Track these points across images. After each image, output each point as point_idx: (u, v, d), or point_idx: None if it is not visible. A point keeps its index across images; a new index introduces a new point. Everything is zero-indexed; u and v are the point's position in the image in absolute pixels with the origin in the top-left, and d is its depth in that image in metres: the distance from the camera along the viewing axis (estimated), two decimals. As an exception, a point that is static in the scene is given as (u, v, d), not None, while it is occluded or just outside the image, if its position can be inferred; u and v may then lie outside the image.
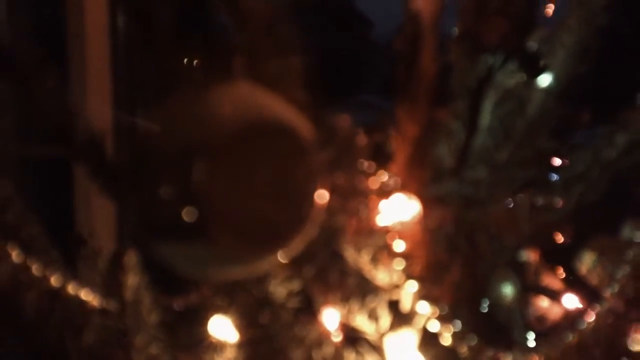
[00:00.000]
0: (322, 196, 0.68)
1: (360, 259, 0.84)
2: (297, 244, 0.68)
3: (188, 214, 0.60)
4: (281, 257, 0.68)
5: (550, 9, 1.18)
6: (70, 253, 0.95)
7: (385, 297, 0.89)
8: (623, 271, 1.05)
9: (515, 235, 1.11)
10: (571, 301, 1.30)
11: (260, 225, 0.64)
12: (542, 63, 1.05)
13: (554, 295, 1.33)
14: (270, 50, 0.72)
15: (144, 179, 0.62)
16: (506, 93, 1.15)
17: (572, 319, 1.23)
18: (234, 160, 0.62)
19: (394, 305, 0.91)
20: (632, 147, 1.18)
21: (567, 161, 1.18)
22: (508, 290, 1.30)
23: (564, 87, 1.20)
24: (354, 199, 0.81)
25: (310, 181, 0.65)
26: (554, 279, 1.36)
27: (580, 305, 1.28)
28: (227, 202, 0.62)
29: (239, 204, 0.63)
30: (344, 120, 0.84)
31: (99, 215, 2.02)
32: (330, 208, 0.80)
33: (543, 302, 1.32)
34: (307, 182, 0.65)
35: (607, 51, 1.27)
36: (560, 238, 1.28)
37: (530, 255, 1.34)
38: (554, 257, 1.33)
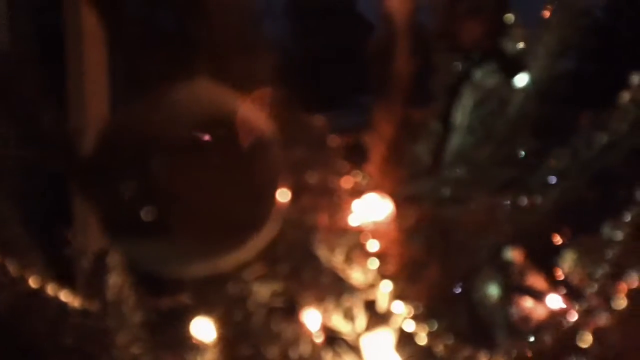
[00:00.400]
0: (284, 194, 0.68)
1: (334, 258, 0.85)
2: (259, 241, 0.68)
3: (147, 213, 0.60)
4: (245, 254, 0.68)
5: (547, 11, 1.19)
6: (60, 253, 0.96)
7: (361, 297, 0.89)
8: (603, 270, 1.05)
9: (494, 234, 1.11)
10: (555, 301, 1.31)
11: (219, 222, 0.65)
12: (517, 63, 1.05)
13: (539, 296, 1.33)
14: (236, 47, 0.73)
15: (106, 177, 0.63)
16: (486, 93, 1.15)
17: (555, 319, 1.23)
18: (193, 158, 0.62)
19: (370, 305, 0.91)
20: (611, 147, 1.18)
21: (546, 161, 1.19)
22: (492, 290, 1.31)
23: (545, 88, 1.20)
24: (327, 199, 0.82)
25: (270, 179, 0.66)
26: (539, 279, 1.36)
27: (564, 305, 1.28)
28: (187, 199, 0.62)
29: (199, 201, 0.63)
30: (317, 121, 0.85)
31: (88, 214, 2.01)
32: (302, 207, 0.81)
33: (527, 303, 1.32)
34: (267, 179, 0.65)
35: (589, 51, 1.27)
36: (542, 238, 1.28)
37: (515, 255, 1.35)
38: (538, 257, 1.34)
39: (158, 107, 0.63)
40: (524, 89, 1.18)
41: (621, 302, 0.92)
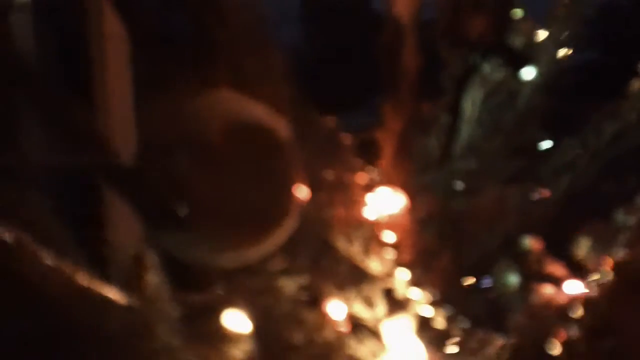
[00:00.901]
0: (301, 191, 0.73)
1: (351, 249, 0.89)
2: (280, 234, 0.73)
3: (181, 209, 0.65)
4: (268, 246, 0.73)
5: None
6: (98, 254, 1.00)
7: (380, 285, 0.94)
8: (616, 255, 1.08)
9: (506, 224, 1.15)
10: (574, 288, 1.33)
11: (243, 217, 0.70)
12: (524, 57, 1.09)
13: (557, 282, 1.36)
14: (250, 48, 0.77)
15: (142, 180, 0.68)
16: (495, 86, 1.19)
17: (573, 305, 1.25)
18: (218, 159, 0.67)
19: (388, 293, 0.95)
20: (620, 135, 1.21)
21: (556, 151, 1.22)
22: (511, 279, 1.34)
23: (554, 79, 1.23)
24: (342, 194, 0.87)
25: (288, 177, 0.71)
26: (557, 266, 1.39)
27: (583, 291, 1.30)
28: (213, 197, 0.68)
29: (227, 198, 0.68)
30: (330, 121, 0.90)
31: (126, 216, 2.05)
32: (320, 202, 0.85)
33: (546, 290, 1.35)
34: (285, 178, 0.70)
35: (597, 41, 1.30)
36: (556, 226, 1.31)
37: (532, 244, 1.37)
38: (554, 245, 1.36)
39: (185, 113, 0.68)
40: (532, 81, 1.21)
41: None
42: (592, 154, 1.17)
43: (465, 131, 1.15)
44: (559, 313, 0.94)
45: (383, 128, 1.00)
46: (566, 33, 1.21)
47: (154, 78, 0.76)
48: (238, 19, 0.78)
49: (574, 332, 0.89)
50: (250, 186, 0.69)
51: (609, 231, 1.19)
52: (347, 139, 0.91)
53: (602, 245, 1.20)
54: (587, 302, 0.90)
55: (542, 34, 1.24)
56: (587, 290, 1.08)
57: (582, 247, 1.23)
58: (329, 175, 0.86)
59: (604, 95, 1.25)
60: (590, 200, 1.30)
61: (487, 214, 1.15)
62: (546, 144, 1.25)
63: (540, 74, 1.20)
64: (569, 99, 1.27)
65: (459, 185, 1.10)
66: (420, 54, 0.98)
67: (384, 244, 0.90)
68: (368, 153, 0.95)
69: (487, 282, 1.27)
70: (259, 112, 0.71)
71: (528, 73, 1.12)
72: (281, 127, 0.72)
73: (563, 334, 0.90)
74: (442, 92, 1.10)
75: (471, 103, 1.13)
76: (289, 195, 0.72)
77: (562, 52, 1.22)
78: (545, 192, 1.23)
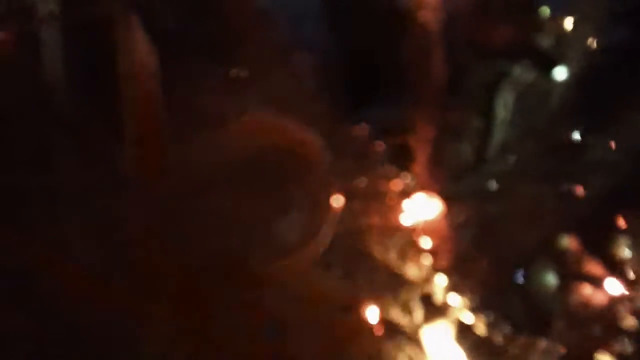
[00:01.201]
0: (337, 200, 0.73)
1: (388, 256, 0.89)
2: (319, 242, 0.74)
3: None
4: (309, 254, 0.73)
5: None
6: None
7: (417, 291, 0.93)
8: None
9: (544, 224, 1.14)
10: (614, 287, 1.30)
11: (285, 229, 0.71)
12: (553, 57, 1.08)
13: (596, 282, 1.33)
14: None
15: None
16: (527, 88, 1.18)
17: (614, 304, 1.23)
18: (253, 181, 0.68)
19: (426, 299, 0.95)
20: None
21: (592, 149, 1.20)
22: (550, 279, 1.32)
23: (584, 78, 1.22)
24: (378, 201, 0.87)
25: (324, 189, 0.71)
26: (596, 266, 1.36)
27: (623, 291, 1.28)
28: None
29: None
30: (361, 130, 0.90)
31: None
32: (355, 211, 0.86)
33: (586, 290, 1.32)
34: (320, 190, 0.71)
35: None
36: (595, 225, 1.29)
37: (570, 243, 1.35)
38: (593, 244, 1.33)
39: (219, 140, 0.69)
40: (564, 81, 1.19)
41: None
42: (627, 150, 1.15)
43: (499, 134, 1.14)
44: (605, 320, 0.92)
45: (414, 134, 0.99)
46: (592, 24, 1.19)
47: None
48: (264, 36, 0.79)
49: (626, 345, 0.87)
50: (290, 201, 0.70)
51: (649, 229, 1.16)
52: (379, 146, 0.91)
53: (641, 244, 1.18)
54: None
55: (570, 30, 1.22)
56: (628, 293, 1.06)
57: (621, 246, 1.22)
58: (364, 183, 0.86)
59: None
60: (627, 197, 1.28)
61: (523, 215, 1.14)
62: (580, 141, 1.23)
63: (571, 72, 1.18)
64: (602, 92, 1.25)
65: (494, 187, 1.09)
66: (447, 60, 0.98)
67: (421, 250, 0.90)
68: (401, 159, 0.95)
69: (521, 276, 1.25)
70: (291, 131, 0.71)
71: (560, 73, 1.11)
72: (314, 144, 0.73)
73: (613, 347, 0.88)
74: (472, 97, 1.09)
75: (503, 106, 1.12)
76: (325, 205, 0.72)
77: (590, 40, 1.20)
78: (580, 190, 1.21)
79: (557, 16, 1.24)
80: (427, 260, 0.89)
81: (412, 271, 0.89)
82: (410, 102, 1.03)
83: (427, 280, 0.90)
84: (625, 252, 1.19)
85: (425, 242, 0.89)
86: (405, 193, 0.88)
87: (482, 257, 1.04)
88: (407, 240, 0.86)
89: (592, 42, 1.20)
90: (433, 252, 0.89)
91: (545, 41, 1.17)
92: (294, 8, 0.88)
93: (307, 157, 0.67)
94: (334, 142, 0.77)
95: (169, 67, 0.83)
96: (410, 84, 1.03)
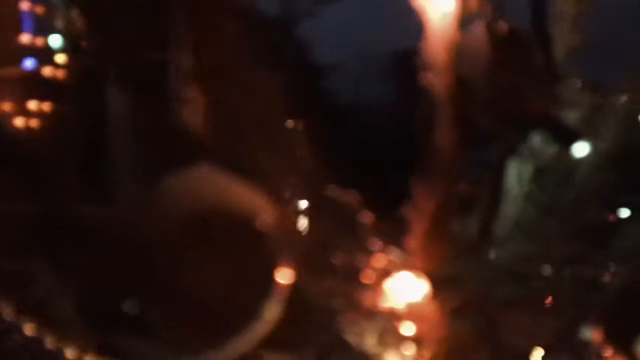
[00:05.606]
0: (286, 276, 0.65)
1: (365, 342, 0.80)
2: (262, 326, 0.65)
3: (138, 308, 0.58)
4: (248, 340, 0.64)
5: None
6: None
7: (400, 384, 0.83)
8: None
9: (559, 313, 1.03)
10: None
11: (216, 312, 0.62)
12: (575, 132, 0.98)
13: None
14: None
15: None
16: (547, 162, 1.09)
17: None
18: (188, 249, 0.60)
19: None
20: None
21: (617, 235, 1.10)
22: (570, 373, 1.21)
23: (617, 157, 1.12)
24: (355, 279, 0.77)
25: (269, 265, 0.62)
26: (618, 360, 1.25)
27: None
28: (182, 291, 0.60)
29: (192, 293, 0.60)
30: (349, 196, 0.81)
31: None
32: (329, 288, 0.76)
33: (607, 386, 1.22)
34: (265, 265, 0.62)
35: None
36: (619, 317, 1.18)
37: (593, 335, 1.25)
38: (616, 337, 1.23)
39: (153, 200, 0.61)
40: (591, 157, 1.10)
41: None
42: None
43: (513, 210, 1.04)
44: None
45: (414, 206, 0.90)
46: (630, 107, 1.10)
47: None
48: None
49: None
50: (227, 279, 0.61)
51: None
52: (368, 217, 0.82)
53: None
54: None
55: (605, 106, 1.14)
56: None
57: (646, 344, 1.11)
58: (342, 257, 0.77)
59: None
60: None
61: (536, 302, 1.03)
62: (608, 227, 1.13)
63: (599, 150, 1.08)
64: (634, 176, 1.15)
65: (503, 269, 0.99)
66: (457, 129, 0.89)
67: (403, 337, 0.80)
68: (394, 233, 0.86)
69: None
70: (239, 194, 0.63)
71: (581, 149, 1.01)
72: (263, 210, 0.64)
73: None
74: (485, 168, 1.00)
75: (517, 179, 1.02)
76: (269, 282, 0.63)
77: (627, 126, 1.11)
78: (606, 278, 1.11)
79: (593, 88, 1.16)
80: (410, 350, 0.79)
81: (393, 360, 0.79)
82: (414, 169, 0.94)
83: (410, 372, 0.80)
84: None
85: (408, 329, 0.79)
86: (388, 271, 0.78)
87: (482, 348, 0.94)
88: (387, 325, 0.76)
89: (632, 119, 1.11)
90: (417, 340, 0.78)
91: (571, 114, 1.07)
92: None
93: (254, 225, 0.59)
94: (315, 207, 0.69)
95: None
96: (416, 150, 0.94)
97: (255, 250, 0.60)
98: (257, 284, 0.61)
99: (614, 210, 1.16)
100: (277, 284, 0.63)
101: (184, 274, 0.58)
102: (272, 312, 0.64)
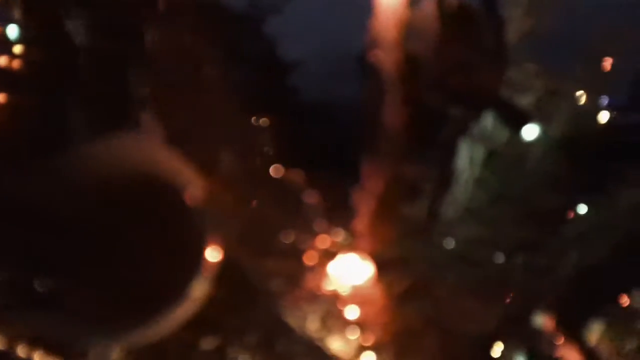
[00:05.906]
0: (214, 255, 0.62)
1: (308, 326, 0.77)
2: (188, 305, 0.62)
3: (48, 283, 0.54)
4: (173, 319, 0.61)
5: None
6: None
7: (343, 369, 0.81)
8: (630, 344, 0.96)
9: (507, 300, 1.02)
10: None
11: (139, 289, 0.59)
12: (524, 115, 0.97)
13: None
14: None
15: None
16: (500, 146, 1.07)
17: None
18: (109, 221, 0.57)
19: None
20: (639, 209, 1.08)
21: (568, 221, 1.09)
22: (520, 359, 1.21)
23: (569, 143, 1.11)
24: (298, 261, 0.75)
25: (196, 241, 0.59)
26: (570, 350, 1.25)
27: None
28: (100, 267, 0.56)
29: (115, 268, 0.57)
30: (295, 175, 0.78)
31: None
32: (270, 271, 0.74)
33: (558, 372, 1.22)
34: (191, 242, 0.59)
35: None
36: (567, 305, 1.18)
37: (544, 322, 1.25)
38: (566, 324, 1.23)
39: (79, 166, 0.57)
40: (545, 143, 1.09)
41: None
42: (605, 226, 1.04)
43: (464, 194, 1.02)
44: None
45: (361, 187, 0.88)
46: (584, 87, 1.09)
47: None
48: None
49: None
50: (149, 250, 0.58)
51: (624, 316, 1.06)
52: (312, 196, 0.79)
53: (616, 331, 1.08)
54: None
55: (560, 90, 1.13)
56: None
57: (596, 332, 1.11)
58: (285, 237, 0.75)
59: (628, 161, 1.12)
60: (607, 276, 1.17)
61: (486, 288, 1.02)
62: (560, 213, 1.12)
63: (550, 135, 1.07)
64: (590, 163, 1.14)
65: (452, 253, 0.97)
66: (406, 108, 0.87)
67: (347, 321, 0.78)
68: (339, 214, 0.83)
69: None
70: (167, 164, 0.60)
71: (530, 132, 1.00)
72: (191, 183, 0.61)
73: None
74: (436, 149, 0.98)
75: (469, 162, 1.00)
76: (196, 261, 0.60)
77: (603, 115, 1.10)
78: (558, 265, 1.10)
79: (547, 73, 1.15)
80: (354, 334, 0.76)
81: (336, 345, 0.76)
82: (362, 149, 0.92)
83: (354, 357, 0.77)
84: (599, 339, 1.08)
85: (352, 312, 0.76)
86: (333, 253, 0.75)
87: (429, 334, 0.92)
88: (330, 309, 0.74)
89: (584, 105, 1.11)
90: (361, 324, 0.76)
91: (523, 98, 1.06)
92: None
93: (182, 198, 0.55)
94: (254, 184, 0.65)
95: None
96: (363, 129, 0.92)
97: (182, 225, 0.57)
98: (184, 260, 0.58)
99: (566, 196, 1.15)
100: (206, 261, 0.60)
101: (103, 247, 0.55)
102: (199, 291, 0.60)
